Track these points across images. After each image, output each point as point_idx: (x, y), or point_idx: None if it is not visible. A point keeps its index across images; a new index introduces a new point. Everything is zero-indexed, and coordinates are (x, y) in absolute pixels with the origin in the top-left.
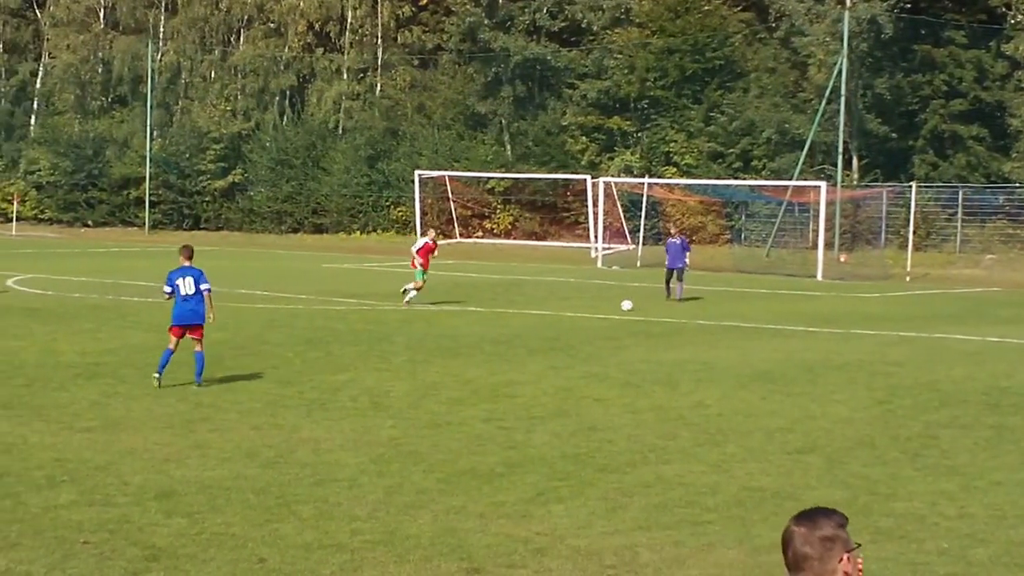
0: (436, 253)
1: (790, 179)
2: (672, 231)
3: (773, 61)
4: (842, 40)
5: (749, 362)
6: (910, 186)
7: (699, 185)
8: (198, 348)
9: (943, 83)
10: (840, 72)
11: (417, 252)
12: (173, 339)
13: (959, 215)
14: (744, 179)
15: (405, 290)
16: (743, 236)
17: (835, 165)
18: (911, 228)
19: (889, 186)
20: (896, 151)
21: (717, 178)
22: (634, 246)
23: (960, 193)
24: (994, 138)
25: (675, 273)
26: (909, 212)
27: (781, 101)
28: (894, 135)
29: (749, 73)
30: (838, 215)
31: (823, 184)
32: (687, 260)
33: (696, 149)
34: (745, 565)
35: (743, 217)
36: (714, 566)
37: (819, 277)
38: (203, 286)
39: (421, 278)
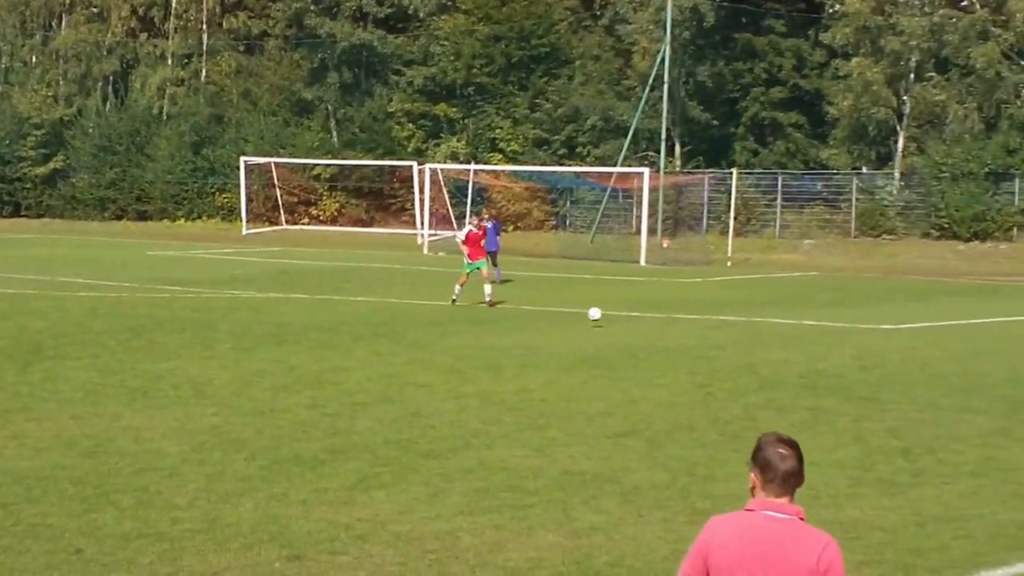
0: (490, 241)
1: (614, 166)
2: (484, 215)
3: (598, 49)
4: (665, 28)
5: (573, 347)
6: (731, 172)
7: (524, 171)
8: None
9: (763, 71)
10: (663, 60)
11: (463, 243)
12: None
13: (778, 201)
14: (569, 165)
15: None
16: (568, 222)
17: (658, 152)
18: (732, 214)
19: (711, 172)
20: (717, 138)
21: (542, 164)
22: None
23: (779, 179)
24: (812, 125)
25: (490, 257)
26: (730, 198)
27: (605, 88)
28: (716, 122)
29: (574, 60)
30: (661, 201)
31: (646, 170)
32: (498, 243)
33: (522, 136)
34: (565, 548)
35: (568, 203)
36: (534, 549)
37: (642, 262)
38: None
39: (465, 271)
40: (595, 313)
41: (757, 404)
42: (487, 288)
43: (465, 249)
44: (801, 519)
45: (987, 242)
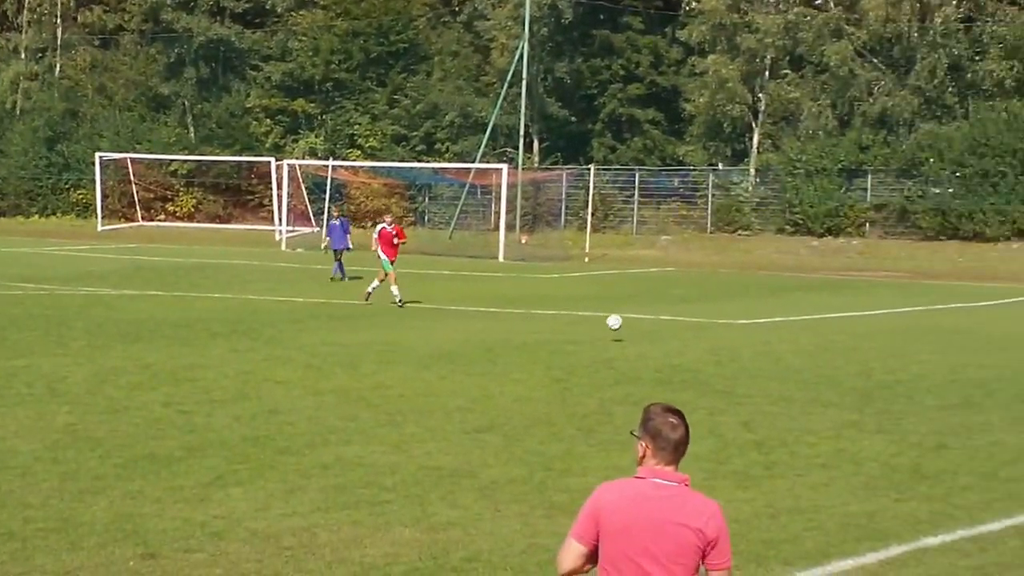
0: (402, 240)
1: (473, 162)
2: (334, 213)
3: (456, 45)
4: (523, 24)
5: (431, 343)
6: (589, 169)
7: (383, 168)
8: None
9: (621, 68)
10: (521, 56)
11: (377, 241)
12: None
13: (636, 197)
14: (428, 162)
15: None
16: (427, 218)
17: (516, 148)
18: (590, 210)
19: (569, 169)
20: (575, 134)
21: (401, 161)
22: (318, 228)
23: (637, 176)
24: (669, 122)
25: (335, 255)
26: (588, 194)
27: (464, 84)
28: (574, 119)
29: (433, 56)
30: (519, 197)
31: (505, 167)
32: (350, 242)
33: (380, 132)
34: (422, 543)
35: (427, 200)
36: (391, 544)
37: (501, 258)
38: None
39: (387, 269)
40: (615, 322)
41: (614, 399)
42: (394, 289)
43: (379, 248)
44: (687, 486)
45: (840, 238)
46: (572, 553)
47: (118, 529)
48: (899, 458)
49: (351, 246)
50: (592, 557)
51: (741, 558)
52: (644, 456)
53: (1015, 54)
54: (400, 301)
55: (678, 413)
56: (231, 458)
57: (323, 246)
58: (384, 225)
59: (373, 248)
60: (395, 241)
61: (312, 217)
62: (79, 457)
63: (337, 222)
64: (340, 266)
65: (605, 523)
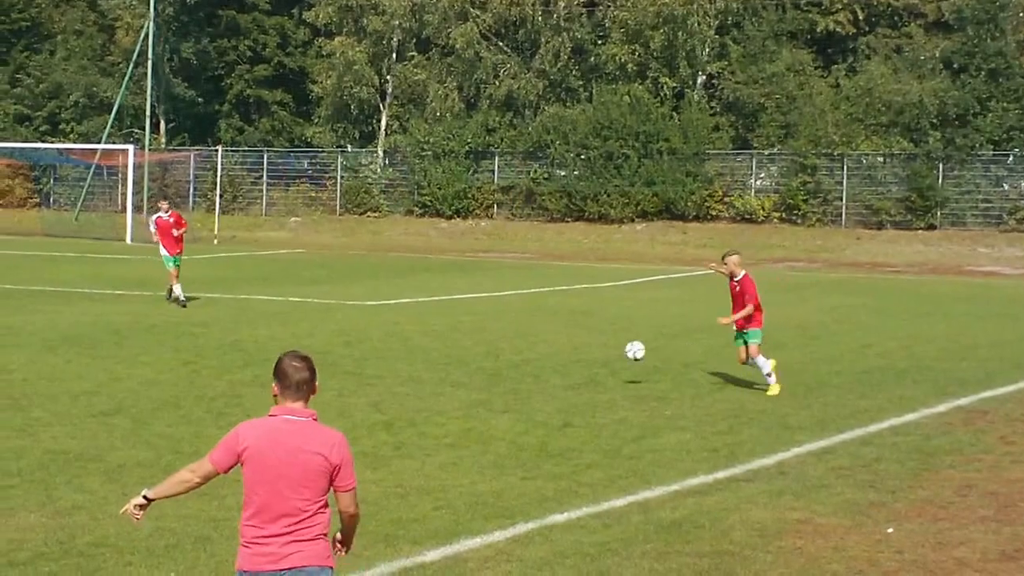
0: (183, 229)
1: (99, 142)
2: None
3: (80, 23)
4: (148, 4)
5: (56, 326)
6: (216, 150)
7: (5, 148)
8: None
9: (248, 49)
10: (147, 36)
11: (155, 234)
12: None
13: (264, 178)
14: (52, 142)
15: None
16: (52, 200)
17: (143, 129)
18: (218, 191)
19: (196, 150)
20: (203, 115)
21: (24, 141)
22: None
23: (265, 157)
24: (297, 103)
25: None
26: (216, 175)
27: (89, 64)
28: (201, 99)
29: (56, 35)
30: (147, 178)
31: (131, 147)
32: None
33: (2, 111)
34: (47, 527)
35: (52, 181)
36: (16, 530)
37: (128, 240)
38: None
39: (167, 266)
40: (637, 352)
41: (243, 381)
42: (177, 287)
43: (158, 240)
44: (315, 420)
45: (468, 220)
46: (202, 470)
47: None
48: (526, 437)
49: None
50: (208, 479)
51: (370, 538)
52: (276, 395)
53: (636, 38)
54: (184, 300)
55: (304, 358)
56: None
57: None
58: (160, 214)
59: (154, 240)
60: (175, 232)
61: None
62: None
63: None
64: None
65: (244, 454)
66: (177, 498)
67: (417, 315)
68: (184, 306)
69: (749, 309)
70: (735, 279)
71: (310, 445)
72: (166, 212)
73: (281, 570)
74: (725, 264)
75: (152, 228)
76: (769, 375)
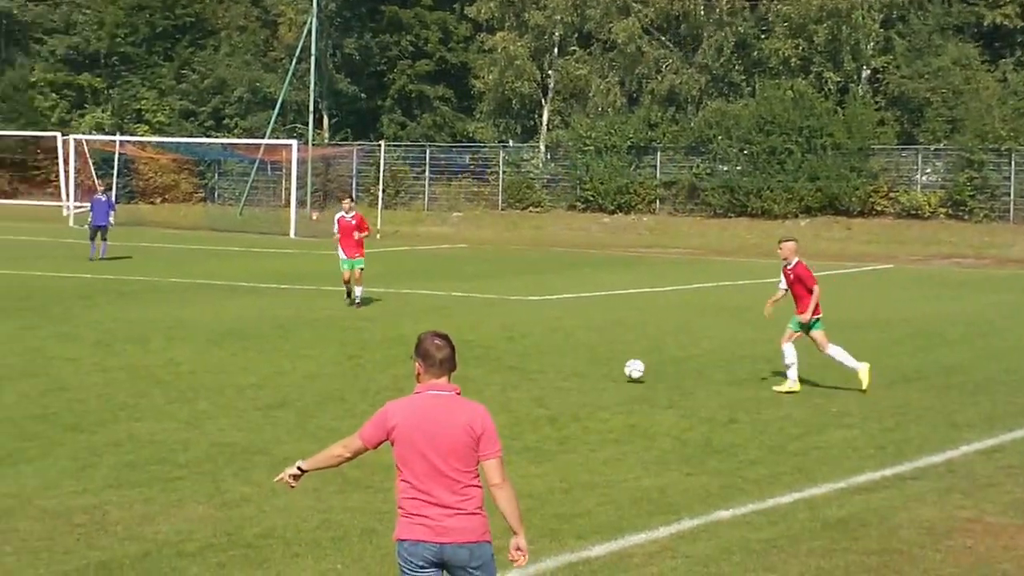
0: (365, 233)
1: (262, 138)
2: (99, 187)
3: (244, 19)
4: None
5: (222, 319)
6: (379, 145)
7: (172, 143)
8: None
9: (410, 44)
10: (310, 31)
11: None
12: None
13: (427, 174)
14: (216, 137)
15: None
16: (217, 194)
17: (306, 124)
18: (381, 186)
19: (359, 145)
20: (365, 110)
21: (189, 136)
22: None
23: (427, 152)
24: (459, 99)
25: (99, 232)
26: (379, 171)
27: (252, 59)
28: (363, 95)
29: (220, 31)
30: (310, 173)
31: (295, 143)
32: (112, 219)
33: (168, 107)
34: (215, 519)
35: (216, 175)
36: (184, 521)
37: (292, 235)
38: None
39: (346, 268)
40: (635, 371)
41: (406, 374)
42: (357, 290)
43: (337, 241)
44: (457, 393)
45: (630, 215)
46: (353, 445)
47: None
48: (690, 433)
49: (112, 223)
50: (357, 455)
51: (535, 532)
52: (419, 374)
53: (800, 33)
54: (359, 301)
55: (444, 337)
56: (20, 435)
57: (87, 222)
58: (343, 214)
59: (335, 239)
60: (356, 235)
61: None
62: None
63: (103, 197)
64: (99, 246)
65: (394, 431)
66: (344, 491)
67: (579, 310)
68: (359, 306)
69: (817, 294)
70: (789, 267)
71: (455, 417)
72: (348, 213)
73: (442, 543)
74: (780, 249)
75: (334, 228)
76: (842, 363)
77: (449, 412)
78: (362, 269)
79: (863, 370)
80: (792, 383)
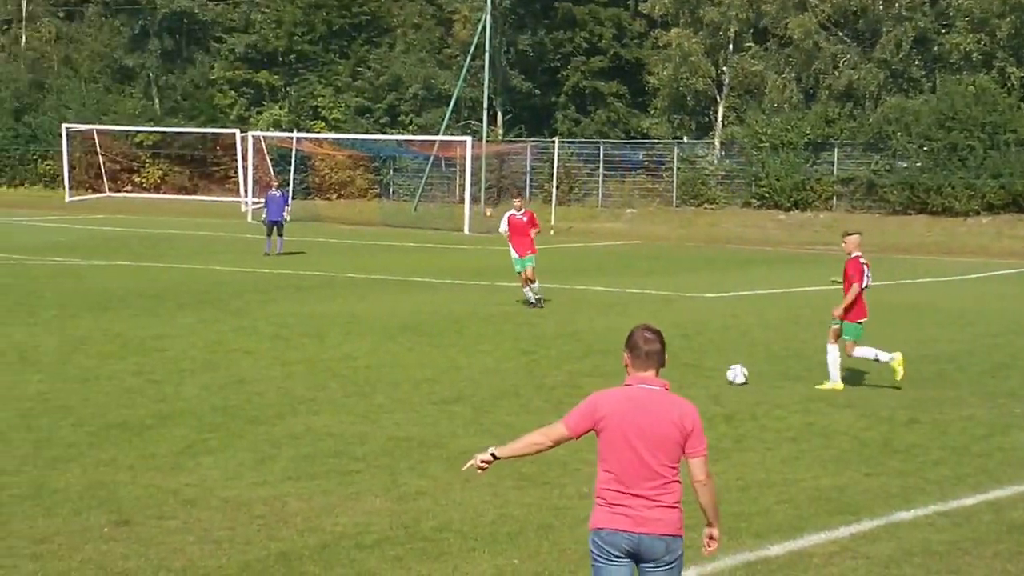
0: (537, 230)
1: (437, 134)
2: (273, 184)
3: (419, 17)
4: None
5: (397, 314)
6: (553, 141)
7: (347, 140)
8: None
9: (584, 40)
10: (484, 28)
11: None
12: None
13: (600, 170)
14: (392, 134)
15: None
16: (391, 191)
17: (480, 120)
18: (554, 183)
19: (533, 141)
20: (539, 107)
21: (365, 133)
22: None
23: (601, 149)
24: (633, 95)
25: (275, 227)
26: (552, 167)
27: (427, 57)
28: (537, 91)
29: (395, 28)
30: (484, 170)
31: (469, 139)
32: (287, 215)
33: (344, 104)
34: (392, 512)
35: (391, 172)
36: (362, 514)
37: (466, 231)
38: None
39: (519, 267)
40: (739, 375)
41: (582, 371)
42: (533, 286)
43: (508, 238)
44: (667, 389)
45: (807, 211)
46: (555, 433)
47: (92, 496)
48: (869, 432)
49: (287, 219)
50: (558, 444)
51: None
52: (627, 365)
53: (982, 27)
54: (538, 301)
55: (655, 331)
56: (201, 427)
57: (262, 218)
58: (513, 211)
59: (505, 237)
60: (531, 232)
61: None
62: (52, 425)
63: (277, 193)
64: (275, 241)
65: (602, 422)
66: (520, 487)
67: (755, 307)
68: (539, 306)
69: (854, 291)
70: (850, 260)
71: (665, 412)
72: (519, 210)
73: (640, 533)
74: (845, 243)
75: (504, 227)
76: (876, 359)
77: (661, 406)
78: (533, 267)
79: (834, 385)
80: (838, 383)
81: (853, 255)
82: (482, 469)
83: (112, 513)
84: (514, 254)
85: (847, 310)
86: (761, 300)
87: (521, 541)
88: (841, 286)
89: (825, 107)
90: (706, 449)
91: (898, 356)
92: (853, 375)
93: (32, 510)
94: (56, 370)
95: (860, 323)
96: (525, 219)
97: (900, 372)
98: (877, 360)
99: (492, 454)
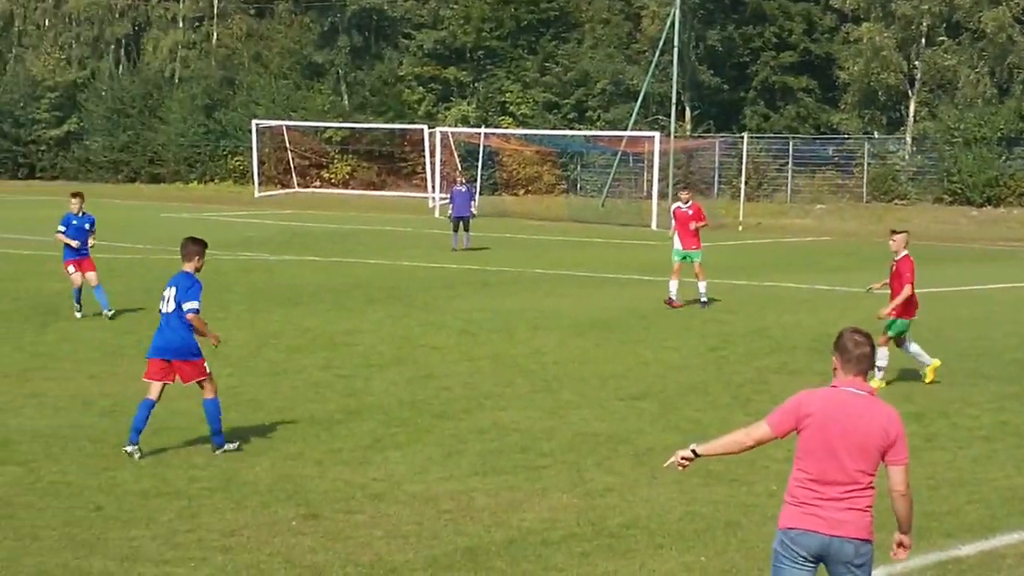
0: (701, 223)
1: (624, 130)
2: (459, 179)
3: (607, 12)
4: None
5: (584, 310)
6: (742, 137)
7: (535, 135)
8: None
9: (773, 35)
10: (673, 24)
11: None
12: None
13: (790, 166)
14: (579, 129)
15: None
16: (579, 186)
17: (668, 116)
18: (743, 178)
19: (721, 137)
20: (728, 102)
21: (552, 128)
22: (446, 196)
23: (791, 144)
24: (823, 90)
25: (462, 223)
26: (741, 163)
27: (615, 52)
28: (726, 87)
29: (583, 24)
30: (671, 165)
31: (657, 135)
32: (474, 209)
33: (532, 99)
34: (579, 508)
35: (579, 167)
36: (549, 510)
37: (653, 226)
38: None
39: (678, 259)
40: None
41: (769, 368)
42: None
43: (675, 232)
44: (872, 395)
45: (1000, 208)
46: (758, 432)
47: (280, 489)
48: None
49: (475, 213)
50: (760, 443)
51: None
52: (835, 369)
53: None
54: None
55: (864, 334)
56: (389, 422)
57: (448, 214)
58: (679, 204)
59: (671, 232)
60: (692, 225)
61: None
62: (242, 418)
63: (463, 188)
64: (462, 236)
65: (806, 420)
66: (708, 484)
67: (946, 305)
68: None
69: (907, 291)
70: (896, 259)
71: (872, 418)
72: (686, 203)
73: (832, 535)
74: (893, 241)
75: (671, 221)
76: (922, 361)
77: (867, 412)
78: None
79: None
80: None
81: (903, 253)
82: (683, 466)
83: (300, 506)
84: (677, 245)
85: (900, 308)
86: (953, 297)
87: (708, 538)
88: (887, 291)
89: (1019, 101)
90: (907, 459)
91: (935, 362)
92: None
93: (222, 503)
94: (245, 364)
95: (911, 320)
96: (690, 211)
97: (930, 376)
98: (920, 360)
99: (693, 451)
